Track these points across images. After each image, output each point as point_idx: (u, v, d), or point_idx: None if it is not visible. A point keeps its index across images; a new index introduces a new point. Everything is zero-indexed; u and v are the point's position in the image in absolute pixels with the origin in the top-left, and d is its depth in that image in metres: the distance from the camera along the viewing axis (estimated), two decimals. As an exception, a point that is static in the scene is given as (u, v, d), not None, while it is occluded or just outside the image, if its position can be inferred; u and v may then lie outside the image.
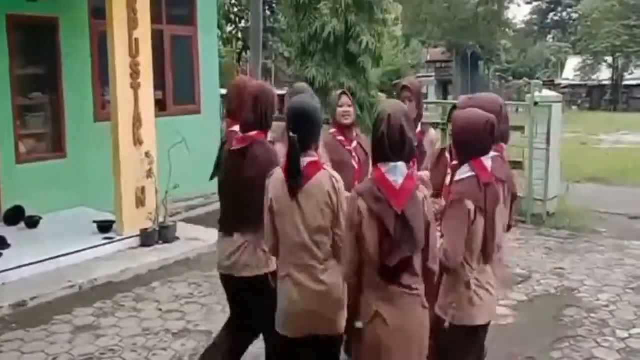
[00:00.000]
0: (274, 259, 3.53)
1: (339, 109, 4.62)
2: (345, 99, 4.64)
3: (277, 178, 3.12)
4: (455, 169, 3.78)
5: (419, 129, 4.51)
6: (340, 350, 3.40)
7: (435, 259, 2.87)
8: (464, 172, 3.09)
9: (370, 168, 4.83)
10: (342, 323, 3.18)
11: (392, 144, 2.79)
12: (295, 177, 3.03)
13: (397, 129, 2.79)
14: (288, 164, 3.04)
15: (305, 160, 3.05)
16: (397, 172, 2.78)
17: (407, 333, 2.81)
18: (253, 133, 3.55)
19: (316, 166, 3.08)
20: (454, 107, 3.97)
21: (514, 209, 3.51)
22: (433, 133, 4.82)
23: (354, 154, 4.60)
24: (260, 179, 3.39)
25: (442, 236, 3.03)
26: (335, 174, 3.13)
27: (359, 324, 2.86)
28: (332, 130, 4.67)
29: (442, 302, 3.14)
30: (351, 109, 4.66)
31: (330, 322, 3.15)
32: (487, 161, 3.09)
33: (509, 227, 3.47)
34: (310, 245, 3.08)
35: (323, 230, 3.07)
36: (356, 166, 4.56)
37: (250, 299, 3.65)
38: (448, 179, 3.83)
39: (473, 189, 3.02)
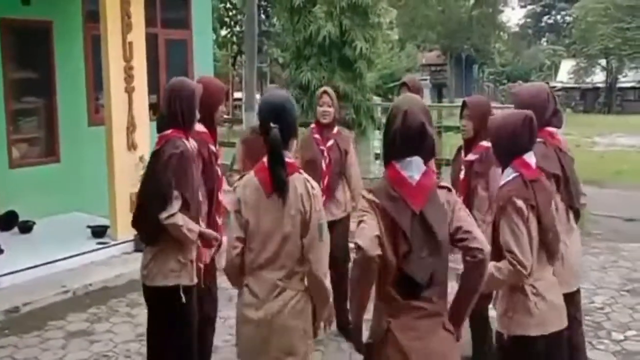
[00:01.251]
0: (188, 270, 3.40)
1: (319, 108, 4.73)
2: (325, 99, 4.70)
3: (248, 179, 2.84)
4: (468, 165, 3.81)
5: None
6: None
7: (474, 237, 2.44)
8: (508, 174, 2.99)
9: (350, 164, 4.86)
10: (302, 354, 2.83)
11: (408, 141, 2.48)
12: (282, 172, 2.73)
13: (415, 126, 2.47)
14: (273, 162, 2.74)
15: None
16: (412, 167, 2.47)
17: (425, 357, 2.44)
18: (167, 132, 3.41)
19: (291, 168, 2.79)
20: (465, 103, 3.99)
21: (572, 193, 3.45)
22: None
23: (325, 153, 4.68)
24: (165, 177, 3.27)
25: (508, 251, 2.85)
26: (311, 179, 2.84)
27: (369, 341, 2.57)
28: (312, 126, 4.75)
29: (499, 314, 3.01)
30: (330, 109, 4.72)
31: (288, 348, 2.79)
32: (529, 158, 2.99)
33: (576, 212, 3.47)
34: (278, 255, 2.77)
35: (292, 239, 2.75)
36: (325, 167, 4.64)
37: (159, 310, 3.50)
38: (462, 174, 3.89)
39: (519, 188, 2.91)
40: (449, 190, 2.54)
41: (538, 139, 3.22)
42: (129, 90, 7.15)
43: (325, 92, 4.75)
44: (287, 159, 2.78)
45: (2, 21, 7.72)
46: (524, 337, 2.91)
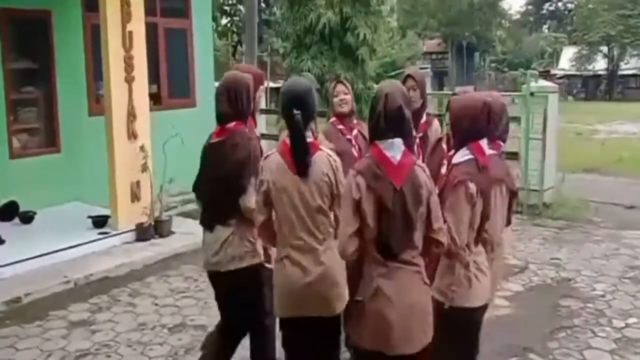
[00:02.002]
0: (260, 250, 3.52)
1: (335, 99, 4.62)
2: (340, 87, 4.63)
3: (273, 160, 3.10)
4: (450, 160, 3.77)
5: (424, 119, 4.51)
6: (340, 332, 3.36)
7: (440, 231, 2.87)
8: (463, 155, 3.11)
9: None
10: (341, 304, 3.16)
11: (389, 121, 2.81)
12: (304, 156, 3.02)
13: (394, 106, 2.81)
14: (296, 146, 3.02)
15: None
16: (394, 148, 2.81)
17: (410, 308, 2.82)
18: (231, 124, 3.52)
19: (313, 146, 3.08)
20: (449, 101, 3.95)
21: (512, 206, 3.50)
22: (437, 124, 4.81)
23: (354, 142, 4.59)
24: (240, 166, 3.41)
25: (444, 220, 2.99)
26: (332, 153, 3.14)
27: (359, 299, 2.86)
28: (332, 119, 4.66)
29: (440, 284, 3.14)
30: (347, 97, 4.63)
31: (329, 302, 3.13)
32: (484, 145, 3.10)
33: (508, 223, 3.45)
34: (310, 226, 3.07)
35: (322, 210, 3.08)
36: (357, 155, 4.55)
37: (237, 294, 3.60)
38: (443, 169, 3.83)
39: (473, 172, 3.04)
40: (424, 169, 2.88)
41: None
42: (129, 80, 7.13)
43: (339, 81, 4.71)
44: (308, 139, 3.05)
45: (1, 11, 7.68)
46: (466, 308, 3.10)
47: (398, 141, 2.82)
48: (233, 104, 3.53)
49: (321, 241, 3.10)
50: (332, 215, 3.12)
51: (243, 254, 3.51)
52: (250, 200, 3.39)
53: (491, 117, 3.14)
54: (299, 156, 3.04)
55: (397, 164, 2.79)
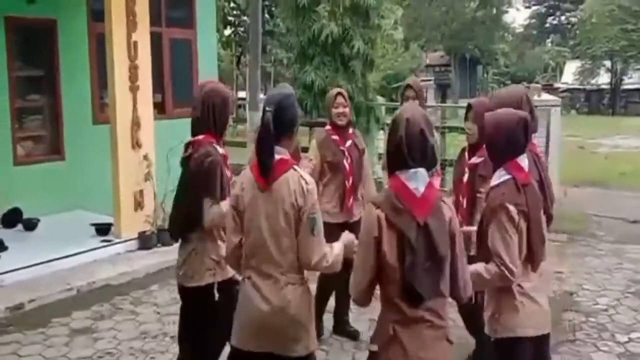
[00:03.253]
0: (225, 267, 3.43)
1: (334, 110, 4.67)
2: (340, 100, 4.67)
3: (245, 174, 2.90)
4: (472, 168, 3.79)
5: None
6: None
7: (465, 288, 2.59)
8: (500, 176, 2.93)
9: (365, 164, 4.88)
10: (299, 348, 2.85)
11: (411, 149, 2.49)
12: (267, 158, 2.76)
13: (417, 134, 2.50)
14: (259, 147, 2.77)
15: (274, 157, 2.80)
16: (418, 179, 2.49)
17: None
18: (200, 137, 3.46)
19: (285, 164, 2.80)
20: (469, 106, 3.97)
21: (548, 199, 3.35)
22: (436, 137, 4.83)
23: (346, 154, 4.66)
24: (197, 183, 3.35)
25: (481, 251, 2.87)
26: (306, 175, 2.85)
27: (373, 347, 2.57)
28: (327, 127, 4.72)
29: (487, 317, 2.97)
30: (346, 110, 4.70)
31: (286, 340, 2.83)
32: (522, 162, 2.94)
33: (548, 217, 3.29)
34: (273, 251, 2.80)
35: (287, 235, 2.78)
36: (348, 167, 4.64)
37: (194, 311, 3.55)
38: (465, 177, 3.86)
39: (512, 192, 2.86)
40: (450, 208, 2.58)
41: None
42: (134, 89, 7.16)
43: (339, 93, 4.72)
44: (281, 156, 2.80)
45: (7, 20, 7.75)
46: (511, 338, 2.90)
47: (422, 171, 2.50)
48: (204, 115, 3.45)
49: (284, 272, 2.81)
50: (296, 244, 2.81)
51: (203, 272, 3.44)
52: (209, 218, 3.34)
53: (528, 133, 2.96)
54: (260, 157, 2.78)
55: (420, 197, 2.47)
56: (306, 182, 2.80)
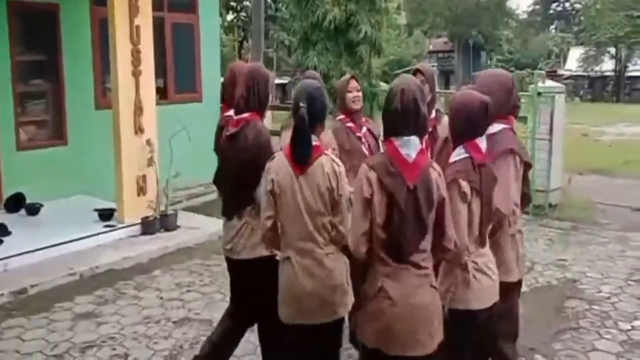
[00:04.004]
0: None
1: (349, 95, 4.51)
2: (354, 84, 4.55)
3: (279, 160, 3.09)
4: (445, 141, 3.78)
5: (432, 115, 4.41)
6: (343, 338, 3.37)
7: (449, 238, 2.82)
8: (458, 154, 3.07)
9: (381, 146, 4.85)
10: (345, 309, 3.15)
11: (405, 117, 2.75)
12: (304, 149, 3.00)
13: (411, 103, 2.75)
14: (296, 139, 3.00)
15: None
16: (410, 146, 2.75)
17: (413, 310, 2.76)
18: (246, 115, 3.55)
19: (318, 150, 3.06)
20: None
21: (528, 179, 3.48)
22: (446, 121, 4.79)
23: (363, 140, 4.52)
24: (253, 159, 3.43)
25: None
26: (336, 158, 3.12)
27: (365, 298, 2.84)
28: (341, 116, 4.59)
29: (440, 288, 3.07)
30: (360, 94, 4.58)
31: (332, 307, 3.10)
32: (481, 143, 3.06)
33: (525, 198, 3.45)
34: (311, 229, 3.05)
35: (323, 214, 3.05)
36: (367, 152, 4.50)
37: (247, 282, 3.66)
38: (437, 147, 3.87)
39: (467, 170, 2.99)
40: (439, 173, 2.83)
41: (506, 126, 3.33)
42: (136, 74, 7.13)
43: (352, 77, 4.64)
44: (313, 142, 3.03)
45: (10, 4, 7.70)
46: (463, 310, 3.04)
47: (414, 139, 2.76)
48: (249, 95, 3.56)
49: (322, 245, 3.07)
50: (332, 221, 3.08)
51: (254, 245, 3.54)
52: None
53: (488, 116, 3.09)
54: (299, 149, 3.01)
55: (411, 163, 2.73)
56: (338, 165, 3.07)
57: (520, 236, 3.45)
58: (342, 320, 3.22)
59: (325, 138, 4.56)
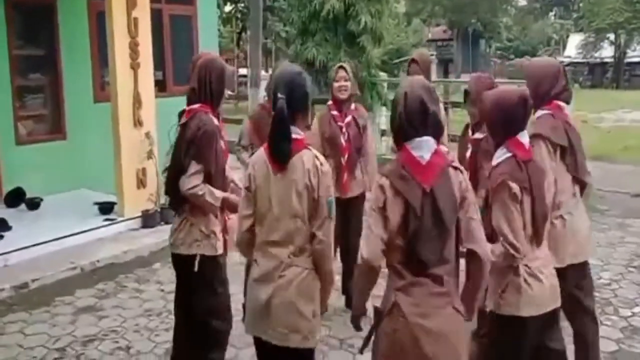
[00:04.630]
0: (215, 243, 3.49)
1: (335, 84, 4.64)
2: (342, 73, 4.62)
3: (258, 154, 2.85)
4: (474, 143, 3.78)
5: None
6: None
7: (477, 240, 2.54)
8: (501, 154, 2.94)
9: (369, 140, 4.86)
10: (303, 337, 2.77)
11: (411, 120, 2.52)
12: (281, 143, 2.70)
13: (416, 104, 2.53)
14: (274, 134, 2.71)
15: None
16: (423, 147, 2.52)
17: (429, 333, 2.46)
18: (196, 106, 3.48)
19: (299, 144, 2.75)
20: (466, 92, 3.95)
21: (572, 160, 3.45)
22: (442, 111, 4.82)
23: (344, 129, 4.63)
24: (190, 150, 3.36)
25: (490, 228, 2.84)
26: (321, 156, 2.80)
27: (379, 308, 2.59)
28: (329, 103, 4.69)
29: (490, 291, 2.93)
30: (347, 83, 4.64)
31: (286, 329, 2.75)
32: (523, 138, 2.95)
33: (581, 183, 3.52)
34: (282, 233, 2.74)
35: (299, 216, 2.72)
36: (344, 143, 4.61)
37: (182, 277, 3.66)
38: (469, 152, 3.86)
39: (513, 170, 2.87)
40: (462, 172, 2.58)
41: (546, 111, 3.28)
42: (135, 67, 7.12)
43: (341, 66, 4.69)
44: (295, 136, 2.74)
45: (6, -2, 7.68)
46: (515, 317, 2.91)
47: (428, 139, 2.53)
48: (200, 86, 3.47)
49: (291, 254, 2.75)
50: (307, 227, 2.75)
51: (191, 242, 3.48)
52: (189, 182, 3.35)
53: (528, 110, 2.97)
54: (277, 146, 2.71)
55: (425, 164, 2.49)
56: (321, 163, 2.74)
57: (570, 218, 3.45)
58: (299, 354, 2.80)
59: (313, 124, 4.62)
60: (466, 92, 3.93)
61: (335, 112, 4.67)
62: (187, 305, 3.65)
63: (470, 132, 3.99)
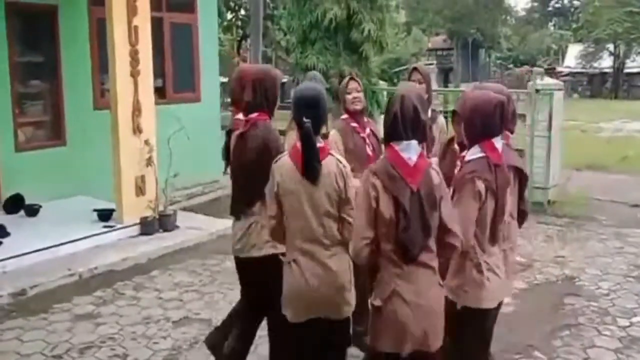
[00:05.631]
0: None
1: (348, 96, 4.49)
2: (353, 85, 4.52)
3: (284, 162, 3.13)
4: (463, 161, 3.75)
5: (428, 114, 4.40)
6: (349, 333, 3.41)
7: (452, 234, 2.84)
8: (474, 152, 3.07)
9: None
10: (349, 308, 3.21)
11: (405, 123, 2.81)
12: (314, 163, 3.03)
13: (410, 109, 2.82)
14: (306, 153, 3.03)
15: None
16: (410, 150, 2.81)
17: (425, 310, 2.83)
18: (254, 115, 3.59)
19: (324, 151, 3.10)
20: (454, 112, 3.91)
21: (525, 193, 3.46)
22: (442, 121, 4.80)
23: (367, 141, 4.50)
24: (260, 158, 3.46)
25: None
26: (342, 158, 3.17)
27: (376, 302, 2.87)
28: (344, 116, 4.57)
29: (452, 284, 3.11)
30: (360, 94, 4.54)
31: (336, 306, 3.16)
32: (497, 143, 3.07)
33: (523, 214, 3.44)
34: (317, 231, 3.09)
35: (330, 215, 3.09)
36: (371, 153, 4.48)
37: (257, 280, 3.67)
38: (456, 171, 3.80)
39: (483, 169, 3.01)
40: (438, 172, 2.88)
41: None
42: (135, 74, 7.13)
43: (352, 78, 4.59)
44: (318, 145, 3.06)
45: (7, 5, 7.69)
46: (477, 309, 3.09)
47: (414, 143, 2.82)
48: (257, 95, 3.60)
49: (328, 247, 3.11)
50: (339, 221, 3.13)
51: (262, 244, 3.57)
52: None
53: (504, 115, 3.10)
54: (309, 163, 3.04)
55: (413, 166, 2.79)
56: (344, 166, 3.12)
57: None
58: (348, 320, 3.27)
59: (331, 137, 4.56)
60: (454, 112, 3.90)
61: (354, 124, 4.55)
62: (265, 304, 3.70)
63: (457, 148, 3.94)
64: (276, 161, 3.18)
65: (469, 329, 3.13)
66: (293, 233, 3.14)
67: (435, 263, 2.88)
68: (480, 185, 2.98)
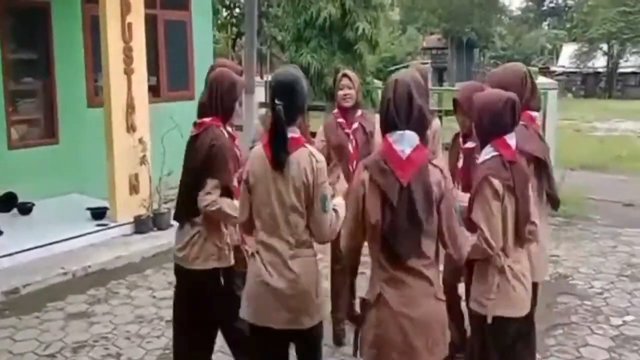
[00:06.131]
0: (228, 255, 3.48)
1: (339, 92, 4.54)
2: (345, 81, 4.55)
3: (257, 151, 2.94)
4: (467, 153, 3.77)
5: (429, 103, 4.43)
6: (319, 344, 3.14)
7: (457, 246, 2.61)
8: (487, 152, 3.03)
9: (376, 146, 4.84)
10: (310, 320, 2.93)
11: (398, 110, 2.56)
12: (280, 149, 2.81)
13: (404, 95, 2.56)
14: (274, 136, 2.81)
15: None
16: (404, 141, 2.54)
17: (413, 323, 2.55)
18: (207, 119, 3.45)
19: (297, 142, 2.86)
20: (455, 101, 3.93)
21: (547, 180, 3.41)
22: (436, 123, 4.79)
23: (351, 137, 4.55)
24: (202, 166, 3.34)
25: (468, 226, 2.90)
26: (317, 153, 2.91)
27: (367, 298, 2.68)
28: (335, 111, 4.64)
29: (475, 294, 3.02)
30: (351, 91, 4.56)
31: (296, 312, 2.89)
32: (510, 140, 3.01)
33: (550, 198, 3.41)
34: (282, 226, 2.87)
35: (297, 210, 2.85)
36: (352, 150, 4.53)
37: (200, 293, 3.52)
38: (461, 162, 3.84)
39: (497, 168, 2.94)
40: (442, 170, 2.61)
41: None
42: (128, 72, 7.11)
43: (345, 75, 4.62)
44: (292, 134, 2.84)
45: (0, 2, 7.65)
46: (502, 317, 2.99)
47: (410, 134, 2.55)
48: (212, 99, 3.45)
49: (292, 246, 2.88)
50: (307, 221, 2.89)
51: (207, 256, 3.43)
52: (206, 199, 3.32)
53: (516, 112, 3.03)
54: (275, 149, 2.82)
55: (405, 159, 2.52)
56: (316, 160, 2.86)
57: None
58: (313, 331, 2.98)
59: (318, 132, 4.59)
60: (455, 101, 3.93)
61: (341, 120, 4.59)
62: (202, 317, 3.55)
63: (461, 140, 3.98)
64: (251, 149, 3.05)
65: (491, 340, 3.01)
66: (258, 225, 2.94)
67: (431, 273, 2.60)
68: (497, 184, 2.90)
